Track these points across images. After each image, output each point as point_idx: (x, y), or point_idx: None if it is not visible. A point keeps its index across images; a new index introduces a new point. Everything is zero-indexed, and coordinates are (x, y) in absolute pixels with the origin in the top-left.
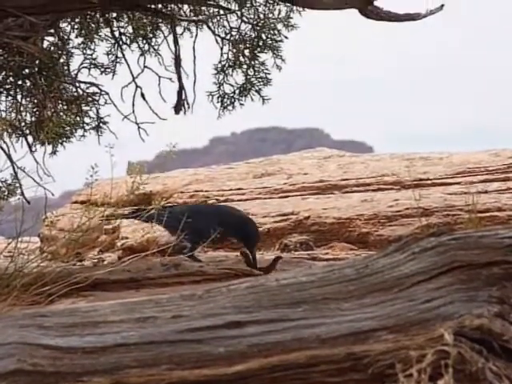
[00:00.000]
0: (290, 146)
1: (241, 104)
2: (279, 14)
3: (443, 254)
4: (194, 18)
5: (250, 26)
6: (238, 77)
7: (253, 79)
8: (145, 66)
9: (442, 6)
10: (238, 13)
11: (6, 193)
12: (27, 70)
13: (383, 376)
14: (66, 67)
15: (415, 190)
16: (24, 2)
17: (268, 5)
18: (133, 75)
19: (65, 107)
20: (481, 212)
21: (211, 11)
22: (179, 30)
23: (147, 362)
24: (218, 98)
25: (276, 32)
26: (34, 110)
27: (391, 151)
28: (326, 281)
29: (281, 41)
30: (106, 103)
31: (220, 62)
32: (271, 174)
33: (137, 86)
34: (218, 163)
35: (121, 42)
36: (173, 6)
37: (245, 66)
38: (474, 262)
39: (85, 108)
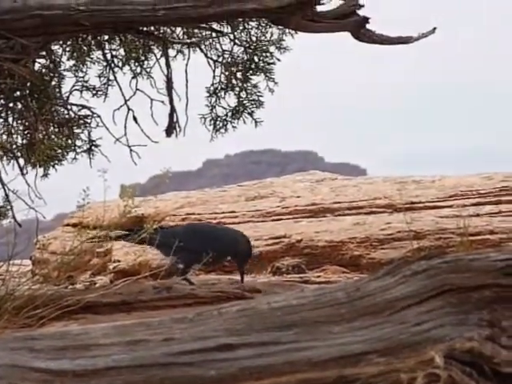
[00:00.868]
0: (283, 168)
1: (233, 127)
2: (271, 36)
3: (434, 278)
4: (187, 40)
5: (242, 49)
6: (230, 99)
7: (245, 102)
8: (137, 89)
9: (435, 29)
10: (231, 35)
11: None
12: (18, 93)
13: None
14: (57, 90)
15: (407, 213)
16: (15, 24)
17: (260, 27)
18: (125, 98)
19: (56, 130)
20: (472, 235)
21: (204, 34)
22: (171, 52)
23: None
24: (211, 120)
25: (268, 54)
26: (26, 132)
27: (385, 174)
28: (317, 304)
29: (273, 63)
30: (97, 126)
31: (212, 84)
32: (264, 197)
33: (129, 109)
34: (211, 186)
35: (113, 65)
36: (165, 28)
37: (237, 89)
38: (464, 285)
39: (76, 131)
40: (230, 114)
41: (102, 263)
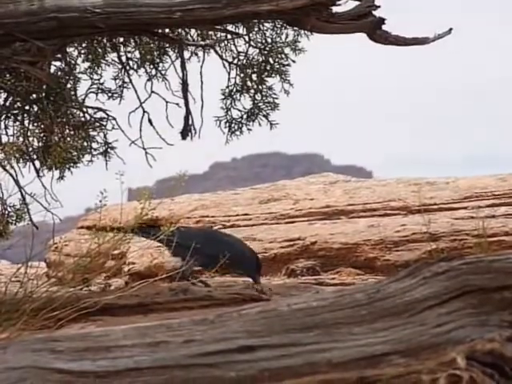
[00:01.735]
0: (290, 171)
1: (248, 129)
2: (287, 38)
3: (454, 279)
4: (202, 42)
5: (257, 51)
6: (245, 101)
7: (260, 104)
8: (152, 91)
9: (451, 29)
10: (246, 37)
11: (14, 218)
12: (34, 95)
13: None
14: (73, 92)
15: (422, 214)
16: (31, 27)
17: (275, 29)
18: (140, 100)
19: (72, 132)
20: (488, 236)
21: (219, 36)
22: (186, 54)
23: None
24: (226, 123)
25: (283, 56)
26: (42, 135)
27: (391, 176)
28: (337, 306)
29: (288, 65)
30: (113, 128)
31: (227, 86)
32: (277, 200)
33: (144, 111)
34: (218, 189)
35: (128, 67)
36: (180, 30)
37: (252, 91)
38: (485, 286)
39: (92, 133)
40: (245, 116)
41: (117, 265)
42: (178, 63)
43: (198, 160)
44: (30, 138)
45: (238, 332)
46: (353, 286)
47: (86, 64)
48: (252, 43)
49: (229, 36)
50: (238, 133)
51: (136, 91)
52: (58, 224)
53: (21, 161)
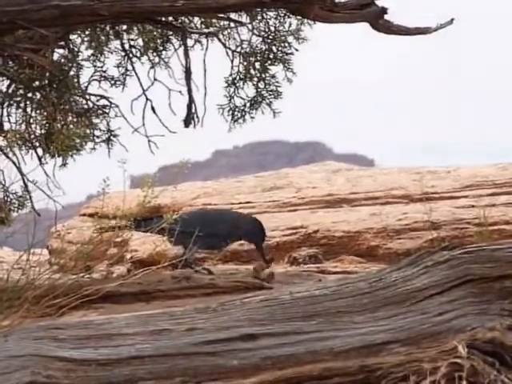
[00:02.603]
0: (291, 159)
1: (251, 117)
2: (290, 26)
3: (456, 268)
4: (205, 30)
5: (260, 39)
6: (248, 90)
7: (263, 92)
8: (155, 79)
9: (452, 19)
10: (249, 25)
11: (16, 205)
12: (37, 83)
13: None
14: (76, 80)
15: (424, 203)
16: (34, 15)
17: (279, 18)
18: (143, 88)
19: (75, 120)
20: (489, 225)
21: (222, 24)
22: (190, 42)
23: (161, 374)
24: (229, 111)
25: (287, 45)
26: (44, 122)
27: (393, 164)
28: (339, 294)
29: (291, 53)
30: (116, 116)
31: (230, 74)
32: (280, 188)
33: (147, 99)
34: (220, 176)
35: (131, 55)
36: (183, 18)
37: (255, 79)
38: (486, 275)
39: (95, 121)
40: (248, 104)
41: (119, 253)
42: (181, 51)
43: (200, 148)
44: (33, 126)
45: (240, 320)
46: (355, 274)
47: (89, 51)
48: (255, 32)
49: (232, 24)
50: (241, 121)
51: (139, 79)
52: (60, 211)
53: (23, 148)
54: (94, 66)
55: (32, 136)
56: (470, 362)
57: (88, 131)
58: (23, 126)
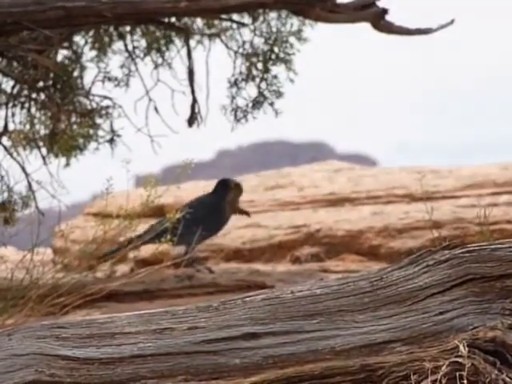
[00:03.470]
0: (294, 159)
1: (254, 117)
2: (291, 27)
3: (457, 267)
4: (207, 31)
5: (262, 40)
6: (250, 90)
7: (265, 92)
8: (158, 80)
9: (453, 20)
10: (251, 26)
11: (20, 205)
12: (42, 83)
13: None
14: (79, 80)
15: (425, 202)
16: (39, 16)
17: (280, 18)
18: (146, 88)
19: (79, 120)
20: (490, 225)
21: (224, 25)
22: (192, 43)
23: (163, 373)
24: (231, 111)
25: (288, 45)
26: (48, 122)
27: (395, 164)
28: (340, 293)
29: (293, 54)
30: (119, 116)
31: (233, 75)
32: (282, 187)
33: (150, 99)
34: (223, 176)
35: (134, 56)
36: (186, 19)
37: (257, 80)
38: (487, 274)
39: (98, 121)
40: (250, 104)
41: (122, 252)
42: (184, 52)
43: (204, 147)
44: (37, 126)
45: (242, 319)
46: (357, 273)
47: (93, 52)
48: (257, 32)
49: (234, 25)
50: (243, 121)
51: (142, 79)
52: (64, 211)
53: (28, 148)
54: (98, 67)
55: (36, 136)
56: (471, 361)
57: (91, 131)
58: (27, 126)
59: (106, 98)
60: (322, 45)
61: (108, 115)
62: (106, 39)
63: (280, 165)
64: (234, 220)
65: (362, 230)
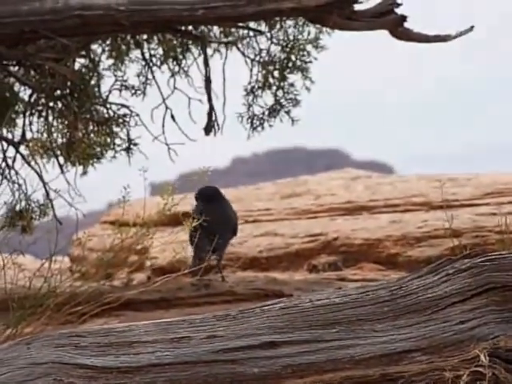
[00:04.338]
0: (310, 166)
1: (270, 125)
2: (308, 35)
3: (477, 276)
4: (224, 39)
5: (279, 48)
6: (267, 98)
7: (282, 100)
8: (175, 88)
9: (472, 27)
10: (268, 34)
11: (38, 213)
12: (59, 92)
13: None
14: (97, 89)
15: (444, 210)
16: (56, 25)
17: (297, 26)
18: (163, 96)
19: (96, 128)
20: (510, 233)
21: (241, 33)
22: (209, 51)
23: (182, 381)
24: (248, 119)
25: (305, 53)
26: (66, 131)
27: (410, 171)
28: (359, 302)
29: (310, 62)
30: (136, 124)
31: (249, 83)
32: (299, 195)
33: (167, 108)
34: (239, 183)
35: (151, 64)
36: (203, 27)
37: (274, 87)
38: (508, 283)
39: (115, 129)
40: (266, 112)
41: (139, 260)
42: (200, 60)
43: (219, 155)
44: (54, 134)
45: (260, 328)
46: (375, 282)
47: (110, 61)
48: (274, 40)
49: (251, 33)
50: (259, 129)
51: (159, 88)
52: (81, 219)
53: (45, 157)
54: (115, 76)
55: (53, 145)
56: (492, 370)
57: (108, 140)
58: (45, 135)
59: (122, 106)
60: (339, 52)
61: (125, 123)
62: (123, 47)
63: (295, 172)
64: (251, 228)
65: (380, 238)
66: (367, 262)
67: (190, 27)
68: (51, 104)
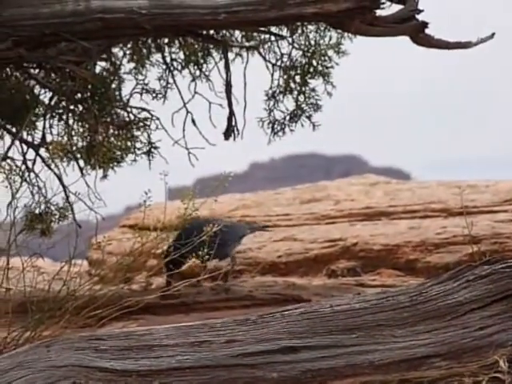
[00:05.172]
0: (328, 172)
1: (291, 130)
2: (330, 40)
3: (497, 282)
4: (246, 44)
5: (300, 53)
6: (288, 103)
7: (303, 105)
8: (195, 92)
9: (493, 34)
10: (289, 39)
11: (57, 216)
12: (79, 95)
13: None
14: (117, 92)
15: (463, 217)
16: (77, 27)
17: (319, 31)
18: (184, 101)
19: (116, 132)
20: None
21: (262, 37)
22: (230, 55)
23: None
24: (269, 124)
25: (327, 58)
26: (86, 134)
27: (429, 178)
28: (379, 307)
29: (331, 67)
30: (157, 128)
31: (271, 88)
32: (318, 200)
33: (187, 112)
34: (256, 188)
35: (172, 68)
36: (224, 32)
37: (295, 92)
38: None
39: (136, 133)
40: (287, 117)
41: (158, 264)
42: (221, 64)
43: (237, 160)
44: (75, 138)
45: (280, 333)
46: (394, 287)
47: (131, 64)
48: (295, 45)
49: (272, 38)
50: (280, 134)
51: (180, 92)
52: (100, 222)
53: (65, 160)
54: (136, 79)
55: (74, 148)
56: (511, 376)
57: (129, 143)
58: (65, 138)
59: (143, 110)
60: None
61: (145, 127)
62: (145, 51)
63: (313, 177)
64: (270, 233)
65: (399, 244)
66: (386, 268)
67: (212, 31)
68: (72, 107)
